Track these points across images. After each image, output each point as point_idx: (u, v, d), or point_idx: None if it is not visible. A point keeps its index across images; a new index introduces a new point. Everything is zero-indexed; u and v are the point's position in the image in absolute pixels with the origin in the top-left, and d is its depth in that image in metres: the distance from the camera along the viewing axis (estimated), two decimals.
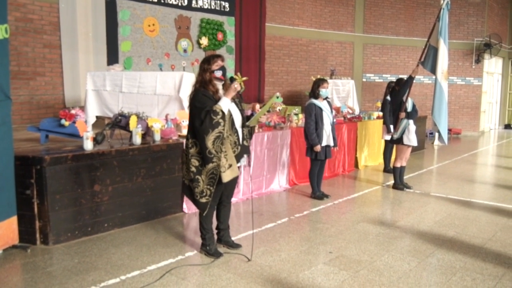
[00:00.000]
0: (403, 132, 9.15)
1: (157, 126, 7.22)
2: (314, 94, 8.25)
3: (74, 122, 6.80)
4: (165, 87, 9.38)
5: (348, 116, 12.08)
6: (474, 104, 21.27)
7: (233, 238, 5.93)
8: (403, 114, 9.13)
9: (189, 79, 9.37)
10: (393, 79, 11.55)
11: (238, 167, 5.44)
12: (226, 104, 5.11)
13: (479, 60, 20.88)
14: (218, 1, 15.28)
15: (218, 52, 15.04)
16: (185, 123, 7.94)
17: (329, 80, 9.15)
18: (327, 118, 8.21)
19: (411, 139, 9.15)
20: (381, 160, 12.16)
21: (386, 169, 11.31)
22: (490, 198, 8.81)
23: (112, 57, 12.54)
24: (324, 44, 18.98)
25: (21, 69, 10.85)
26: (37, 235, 5.80)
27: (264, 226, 6.81)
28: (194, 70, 12.17)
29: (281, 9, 17.62)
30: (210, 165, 5.07)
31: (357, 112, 13.71)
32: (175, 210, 7.35)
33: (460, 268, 5.31)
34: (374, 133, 12.25)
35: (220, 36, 15.26)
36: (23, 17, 10.87)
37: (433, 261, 5.55)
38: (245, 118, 5.50)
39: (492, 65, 22.91)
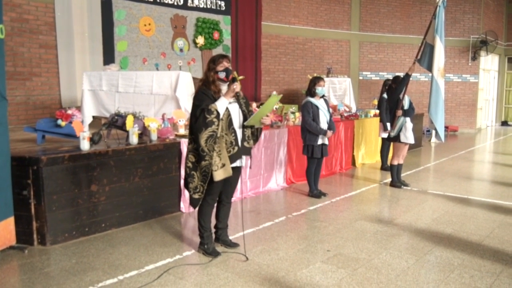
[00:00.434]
0: (400, 130, 9.14)
1: (153, 125, 7.21)
2: (311, 92, 8.24)
3: (71, 122, 6.78)
4: (161, 87, 9.38)
5: (345, 114, 12.09)
6: (471, 101, 21.29)
7: (230, 237, 5.93)
8: (400, 112, 9.13)
9: (186, 79, 9.38)
10: (390, 77, 11.52)
11: (235, 168, 5.43)
12: (223, 104, 5.11)
13: (475, 57, 20.90)
14: (214, 0, 15.25)
15: (214, 51, 15.04)
16: (181, 122, 7.94)
17: (325, 78, 9.14)
18: (324, 117, 8.20)
19: (408, 136, 9.15)
20: (378, 158, 12.18)
21: (383, 167, 11.32)
22: (488, 195, 8.82)
23: (108, 57, 12.51)
24: (320, 42, 18.98)
25: (17, 70, 10.83)
26: (35, 236, 5.79)
27: (262, 225, 6.82)
28: (191, 69, 12.20)
29: (277, 7, 17.61)
30: (203, 163, 5.10)
31: (354, 110, 13.70)
32: (172, 209, 7.35)
33: (458, 265, 5.32)
34: (371, 131, 12.26)
35: (216, 35, 15.25)
36: (19, 17, 10.84)
37: (431, 258, 5.56)
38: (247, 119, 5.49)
39: (489, 62, 22.93)
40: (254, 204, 8.02)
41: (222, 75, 5.24)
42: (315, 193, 8.52)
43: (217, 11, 15.37)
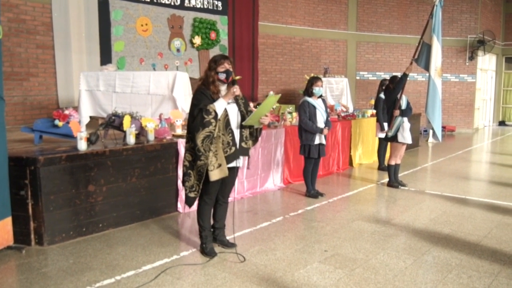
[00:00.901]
0: (397, 130, 9.15)
1: (151, 125, 7.21)
2: (308, 92, 8.24)
3: (68, 123, 6.78)
4: (158, 87, 9.38)
5: (342, 114, 12.09)
6: (468, 101, 21.30)
7: (227, 238, 5.93)
8: (397, 112, 9.13)
9: (183, 79, 9.39)
10: (387, 77, 11.55)
11: (232, 168, 5.44)
12: (221, 106, 5.12)
13: (472, 57, 20.92)
14: (211, 0, 15.25)
15: (211, 51, 15.04)
16: (178, 122, 7.94)
17: (322, 79, 9.12)
18: (321, 117, 8.20)
19: (405, 136, 9.16)
20: (375, 158, 12.18)
21: (381, 167, 11.33)
22: (485, 195, 8.83)
23: (105, 57, 12.51)
24: (317, 42, 18.99)
25: (14, 70, 10.81)
26: (32, 236, 5.79)
27: (259, 225, 6.81)
28: (188, 69, 12.17)
29: (274, 7, 17.61)
30: (199, 163, 5.09)
31: (351, 110, 13.72)
32: (169, 209, 7.34)
33: (456, 266, 5.32)
34: (368, 131, 12.26)
35: (213, 35, 15.24)
36: (16, 17, 10.83)
37: (428, 258, 5.56)
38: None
39: (486, 62, 22.95)
40: (251, 204, 8.02)
41: (222, 76, 5.24)
42: (312, 193, 8.52)
43: (214, 11, 15.37)
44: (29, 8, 11.08)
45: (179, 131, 7.84)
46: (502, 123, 25.25)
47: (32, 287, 4.68)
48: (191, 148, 5.20)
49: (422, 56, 9.13)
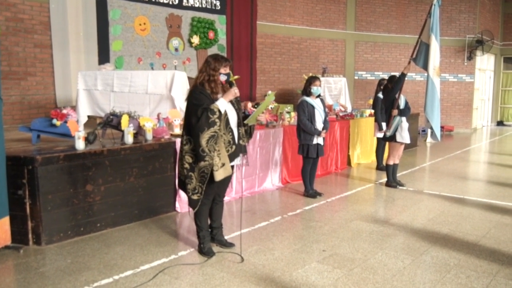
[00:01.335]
0: (396, 130, 9.14)
1: (149, 125, 7.19)
2: (306, 92, 8.24)
3: (66, 122, 6.76)
4: (156, 86, 9.37)
5: (341, 114, 12.09)
6: (467, 101, 21.32)
7: (226, 237, 5.92)
8: (395, 111, 9.12)
9: (181, 78, 9.37)
10: (385, 76, 11.54)
11: (232, 167, 5.44)
12: (223, 105, 5.12)
13: (471, 57, 20.93)
14: (209, 0, 15.24)
15: (209, 50, 15.03)
16: (177, 122, 7.93)
17: (321, 78, 9.12)
18: (319, 116, 8.20)
19: (404, 136, 9.15)
20: (373, 158, 12.18)
21: (379, 167, 11.33)
22: (484, 195, 8.83)
23: (103, 57, 12.49)
24: (315, 42, 18.99)
25: (12, 69, 10.79)
26: (30, 236, 5.78)
27: (257, 225, 6.81)
28: (186, 69, 12.17)
29: (272, 7, 17.60)
30: (202, 163, 5.07)
31: (349, 110, 13.72)
32: (167, 209, 7.34)
33: (454, 266, 5.32)
34: (367, 131, 12.26)
35: (211, 34, 15.22)
36: (14, 17, 10.81)
37: (427, 258, 5.55)
38: (241, 118, 5.49)
39: (484, 62, 22.96)
40: (249, 204, 8.01)
41: (223, 78, 5.24)
42: (310, 193, 8.51)
43: (212, 11, 15.35)
44: (27, 7, 11.06)
45: (177, 130, 7.83)
46: (500, 123, 25.26)
47: (29, 287, 4.67)
48: (191, 150, 5.17)
49: (420, 56, 9.12)
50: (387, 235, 6.37)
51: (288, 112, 10.34)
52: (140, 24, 13.41)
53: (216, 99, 5.14)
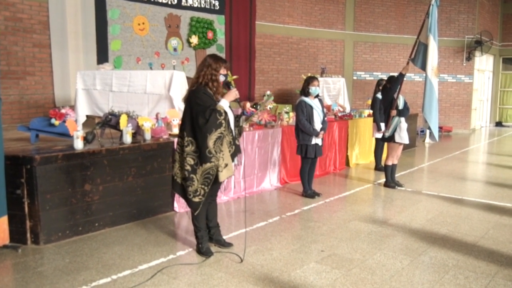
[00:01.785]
0: (394, 130, 9.14)
1: (147, 125, 7.19)
2: (305, 92, 8.24)
3: (64, 122, 6.76)
4: (155, 86, 9.37)
5: (339, 114, 12.09)
6: (465, 102, 21.32)
7: (224, 237, 5.92)
8: (394, 112, 9.12)
9: (180, 78, 9.36)
10: (384, 77, 11.53)
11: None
12: (226, 106, 5.13)
13: (470, 58, 20.93)
14: (208, 0, 15.24)
15: (208, 50, 15.03)
16: (175, 122, 7.92)
17: (319, 78, 9.13)
18: (318, 117, 8.20)
19: (402, 136, 9.15)
20: (372, 158, 12.19)
21: (378, 167, 11.33)
22: (482, 196, 8.84)
23: (102, 56, 12.48)
24: (314, 42, 18.98)
25: (11, 69, 10.79)
26: (28, 235, 5.77)
27: (256, 225, 6.80)
28: (184, 68, 12.18)
29: (271, 7, 17.59)
30: (208, 165, 5.07)
31: (348, 110, 13.71)
32: (166, 209, 7.33)
33: (452, 266, 5.32)
34: (365, 131, 12.26)
35: (210, 34, 15.23)
36: (13, 16, 10.80)
37: (425, 259, 5.56)
38: (235, 117, 5.50)
39: (483, 62, 22.97)
40: (248, 204, 7.99)
41: (222, 78, 5.25)
42: (309, 193, 8.51)
43: (211, 11, 15.35)
44: (25, 6, 11.05)
45: (176, 130, 7.81)
46: (499, 124, 25.26)
47: (28, 286, 4.67)
48: (193, 151, 5.15)
49: (419, 56, 9.11)
50: (386, 236, 6.38)
51: (287, 112, 10.33)
52: (139, 24, 13.40)
53: (218, 100, 5.15)
